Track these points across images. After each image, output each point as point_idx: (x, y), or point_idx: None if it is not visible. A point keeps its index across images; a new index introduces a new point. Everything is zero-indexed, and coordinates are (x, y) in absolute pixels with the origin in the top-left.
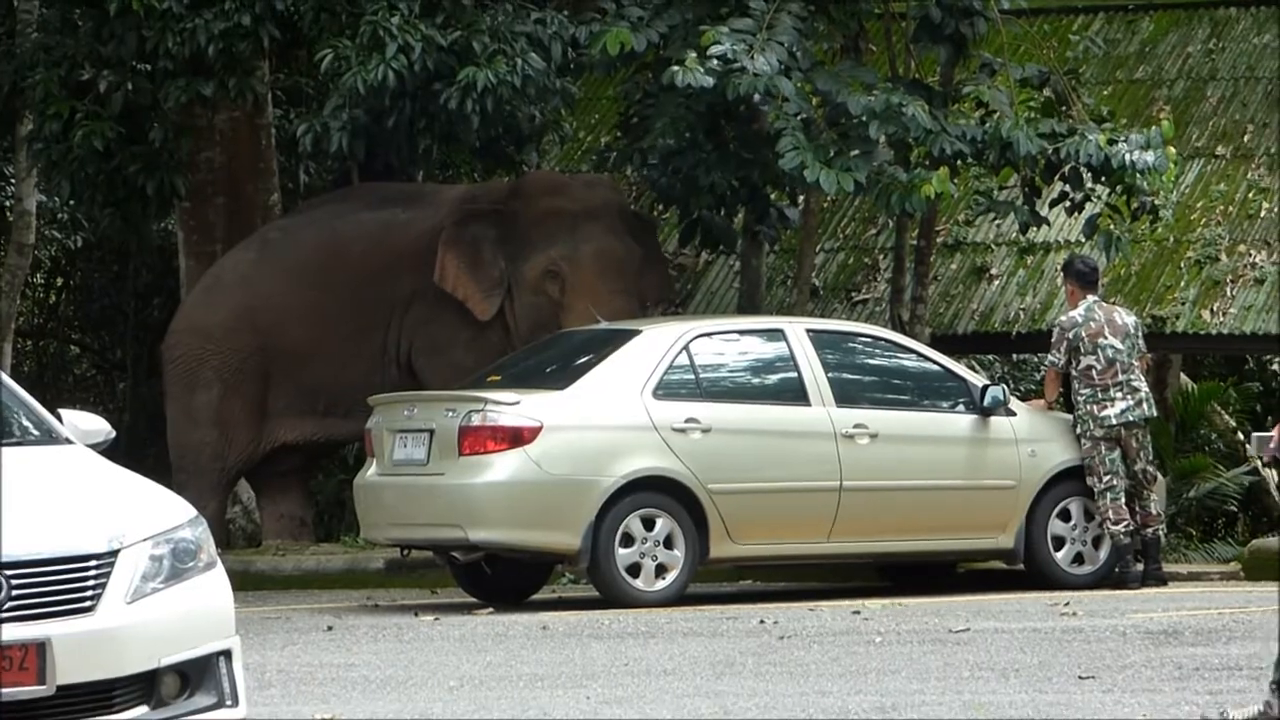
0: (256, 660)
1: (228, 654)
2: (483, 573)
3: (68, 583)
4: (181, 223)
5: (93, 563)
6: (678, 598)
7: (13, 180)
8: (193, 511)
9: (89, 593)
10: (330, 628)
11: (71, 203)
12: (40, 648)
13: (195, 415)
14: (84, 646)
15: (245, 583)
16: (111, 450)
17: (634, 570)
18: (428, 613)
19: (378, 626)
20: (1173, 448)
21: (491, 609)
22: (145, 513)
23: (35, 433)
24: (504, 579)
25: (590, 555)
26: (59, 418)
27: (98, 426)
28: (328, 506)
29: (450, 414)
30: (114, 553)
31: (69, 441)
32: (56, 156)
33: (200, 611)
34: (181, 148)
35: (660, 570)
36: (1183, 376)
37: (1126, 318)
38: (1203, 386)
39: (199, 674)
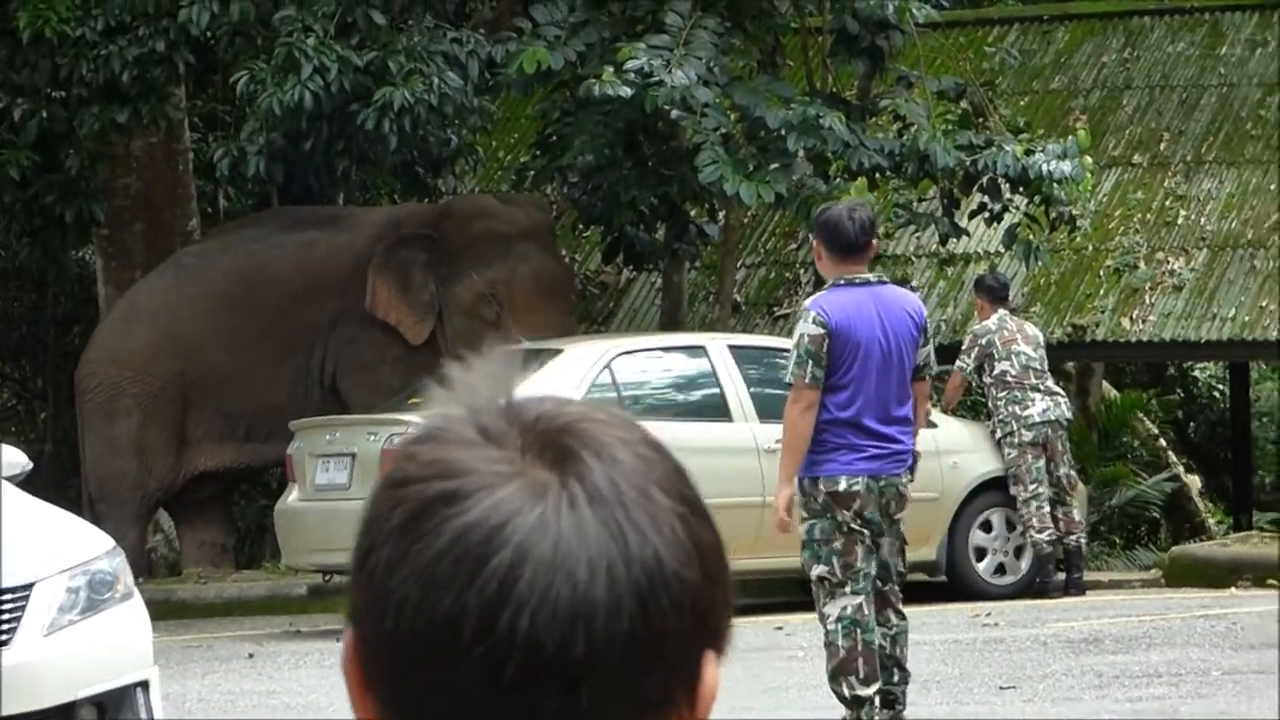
0: (177, 690)
1: (145, 685)
2: None
3: None
4: (100, 250)
5: (7, 596)
6: None
7: None
8: (110, 543)
9: (4, 627)
10: (252, 655)
11: None
12: None
13: (114, 444)
14: None
15: (167, 611)
16: (33, 481)
17: None
18: None
19: (299, 653)
20: (1095, 455)
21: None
22: (61, 545)
23: None
24: None
25: None
26: None
27: (14, 459)
28: (249, 532)
29: (372, 437)
30: (29, 586)
31: None
32: None
33: (117, 643)
34: (98, 175)
35: None
36: (1105, 384)
37: (1034, 331)
38: (1125, 397)
39: (116, 705)
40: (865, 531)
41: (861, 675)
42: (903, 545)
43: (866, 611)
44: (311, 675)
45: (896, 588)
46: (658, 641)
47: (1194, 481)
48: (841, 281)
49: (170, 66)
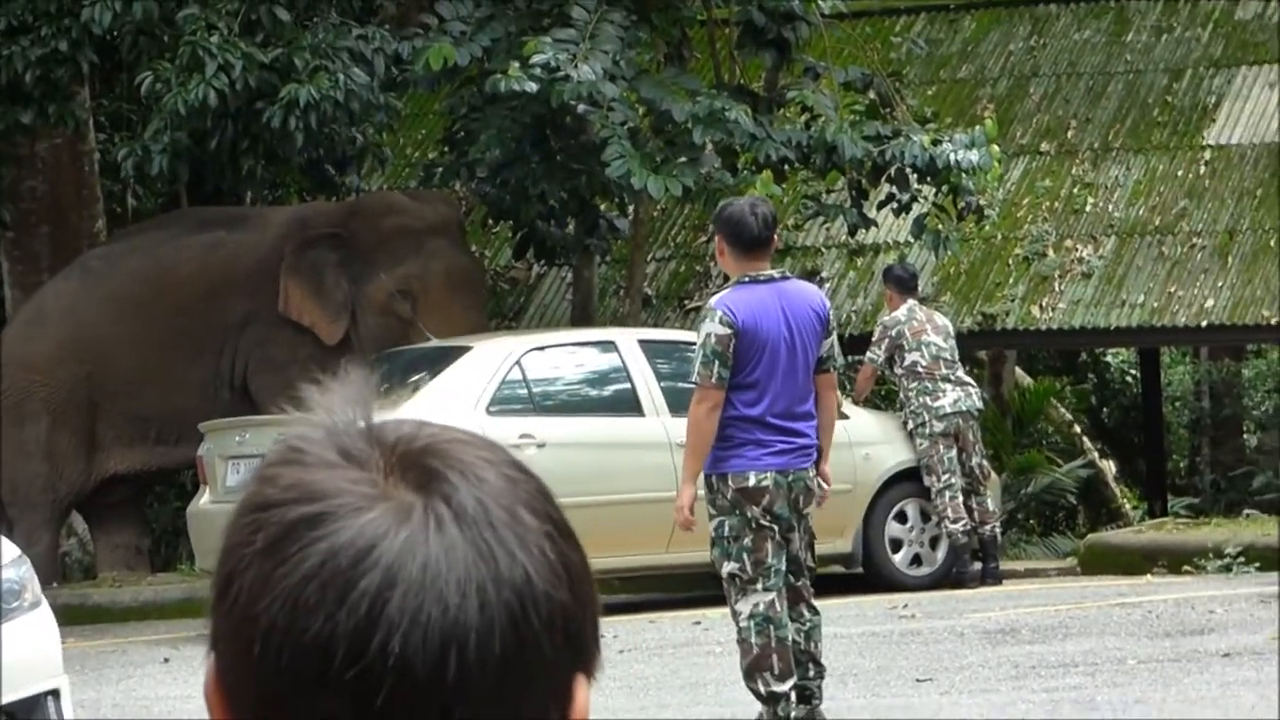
0: (92, 696)
1: (56, 693)
2: None
3: None
4: (6, 253)
5: None
6: None
7: None
8: (15, 551)
9: None
10: (167, 659)
11: None
12: None
13: (24, 448)
14: None
15: (81, 616)
16: None
17: None
18: None
19: None
20: (1010, 443)
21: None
22: None
23: None
24: None
25: None
26: None
27: None
28: (164, 534)
29: (282, 439)
30: None
31: None
32: None
33: (26, 652)
34: (3, 178)
35: None
36: (1018, 371)
37: (943, 320)
38: (1039, 385)
39: (27, 714)
40: (775, 527)
41: (776, 671)
42: (812, 540)
43: (779, 607)
44: None
45: (808, 582)
46: (530, 664)
47: (1109, 467)
48: (746, 279)
49: (74, 66)
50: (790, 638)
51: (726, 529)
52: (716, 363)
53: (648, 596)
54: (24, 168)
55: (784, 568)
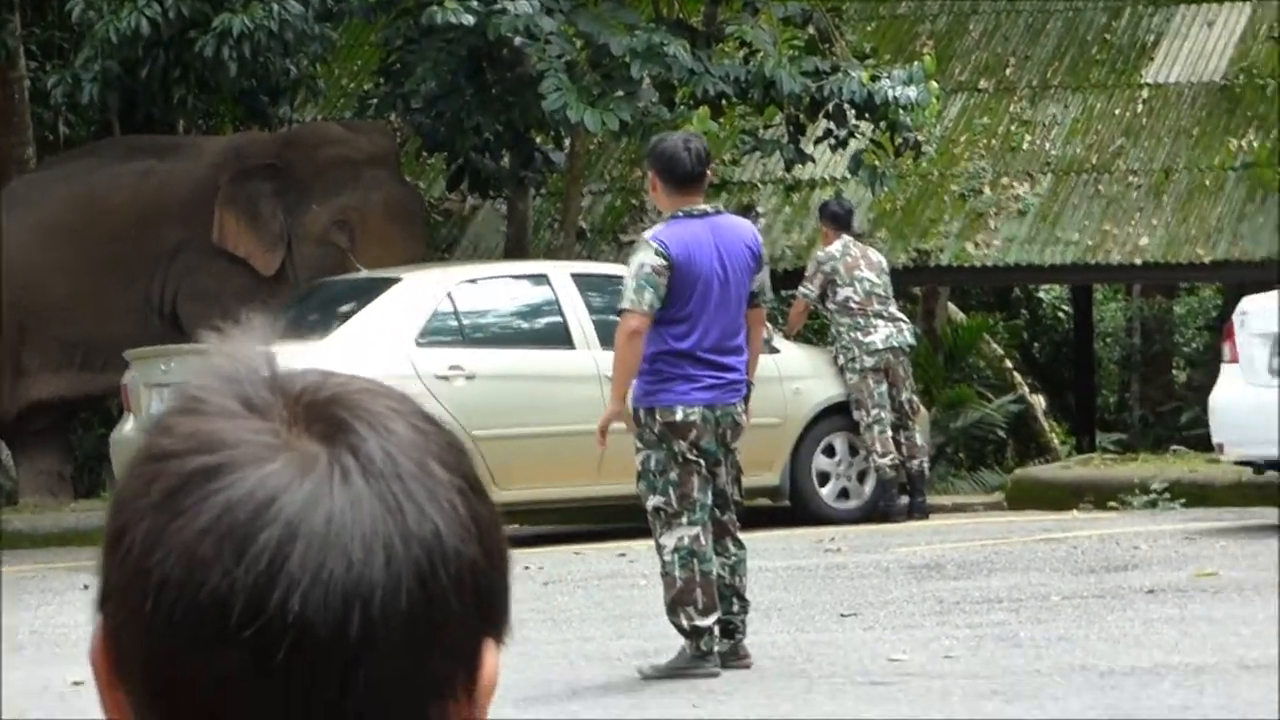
0: (8, 622)
1: None
2: None
3: None
4: None
5: None
6: None
7: None
8: None
9: None
10: (87, 586)
11: None
12: None
13: None
14: None
15: (2, 542)
16: None
17: None
18: None
19: None
20: (941, 378)
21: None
22: None
23: None
24: None
25: None
26: None
27: None
28: (89, 461)
29: (183, 386)
30: None
31: None
32: None
33: None
34: None
35: None
36: (951, 307)
37: (877, 256)
38: (971, 321)
39: None
40: (701, 461)
41: (700, 606)
42: (739, 474)
43: (704, 542)
44: None
45: (734, 517)
46: (437, 623)
47: (1039, 402)
48: (680, 214)
49: None
50: (715, 572)
51: (653, 463)
52: (648, 290)
53: (576, 528)
54: None
55: (710, 502)
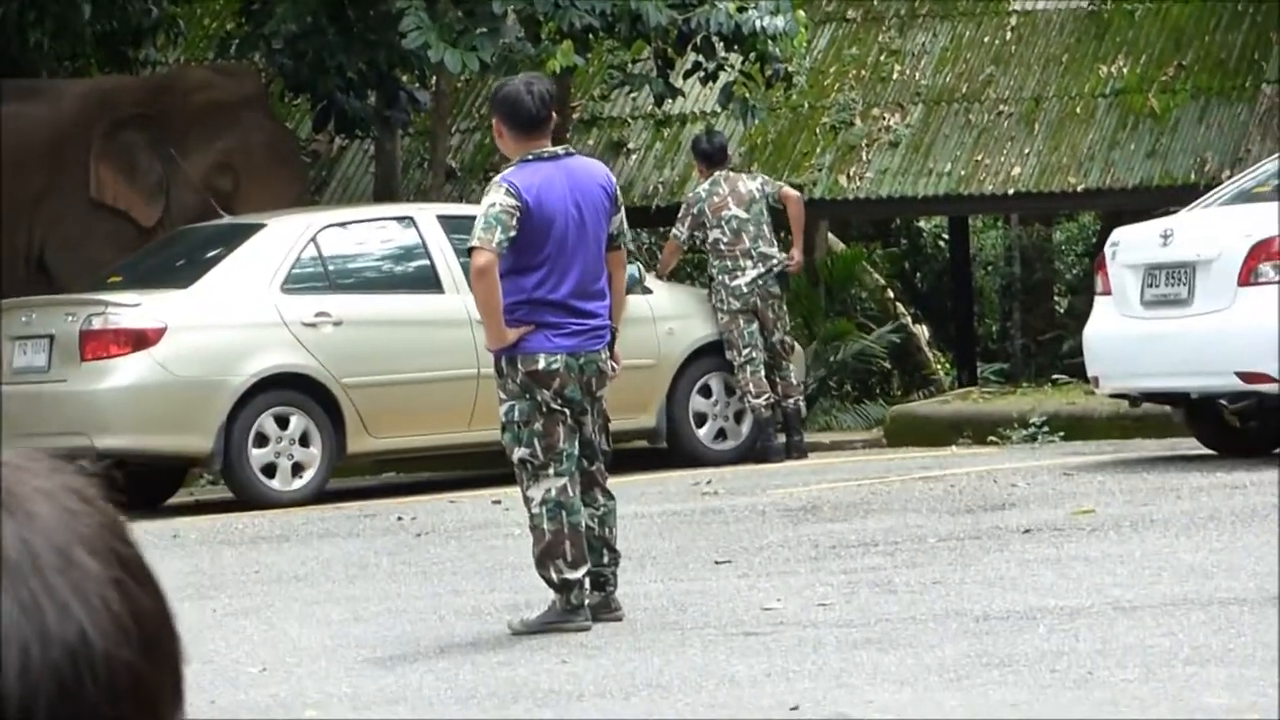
0: None
1: None
2: (115, 480)
3: None
4: None
5: None
6: (316, 495)
7: None
8: None
9: None
10: None
11: None
12: None
13: None
14: None
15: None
16: None
17: (270, 470)
18: None
19: None
20: (821, 311)
21: (125, 517)
22: None
23: None
24: (136, 485)
25: (223, 457)
26: None
27: None
28: None
29: (70, 318)
30: None
31: None
32: None
33: None
34: None
35: (297, 469)
36: (831, 237)
37: (750, 184)
38: (848, 252)
39: None
40: (566, 411)
41: (569, 558)
42: (606, 423)
43: (571, 493)
44: None
45: (603, 466)
46: None
47: (922, 332)
48: (530, 157)
49: None
50: (584, 523)
51: (517, 413)
52: (498, 228)
53: (449, 475)
54: None
55: (576, 452)
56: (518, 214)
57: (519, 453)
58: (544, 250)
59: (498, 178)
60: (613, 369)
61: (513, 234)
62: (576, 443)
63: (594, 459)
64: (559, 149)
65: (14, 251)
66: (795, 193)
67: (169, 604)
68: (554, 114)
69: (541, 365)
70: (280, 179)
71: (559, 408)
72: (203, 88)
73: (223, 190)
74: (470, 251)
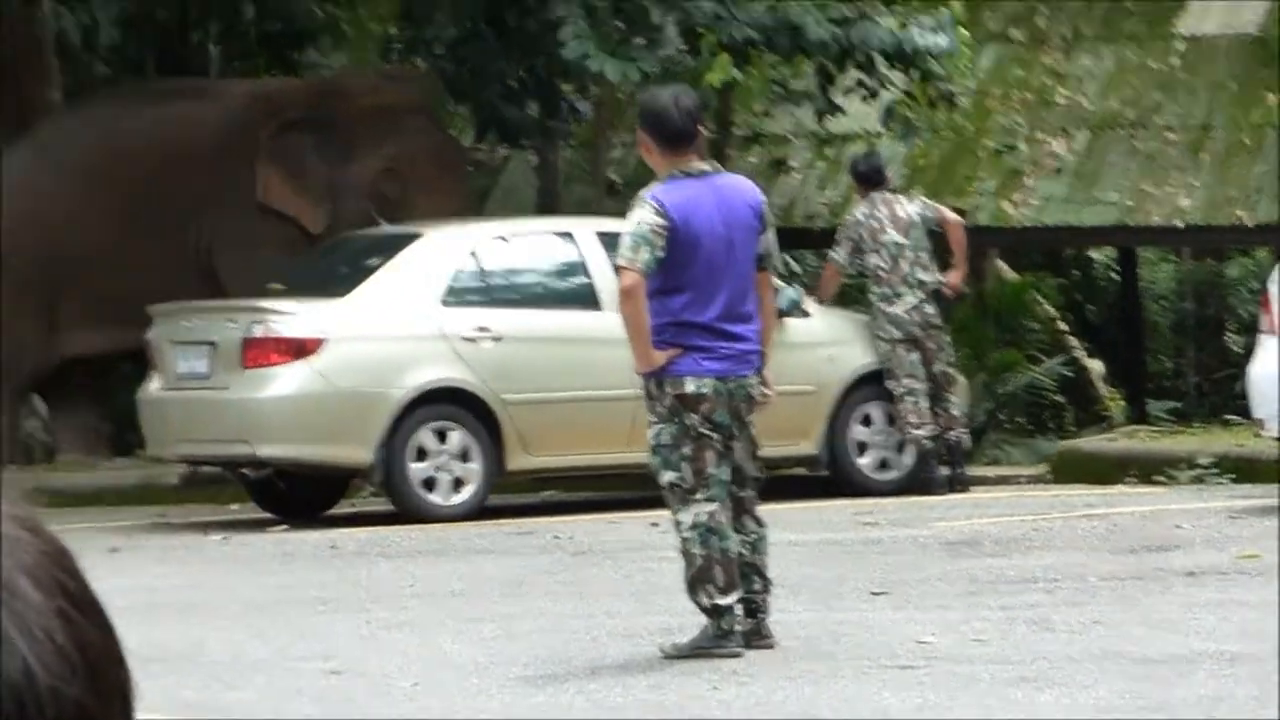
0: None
1: None
2: (277, 488)
3: None
4: None
5: None
6: (476, 511)
7: None
8: None
9: None
10: (115, 549)
11: None
12: None
13: None
14: None
15: (35, 500)
16: None
17: (429, 484)
18: (218, 531)
19: (166, 547)
20: (990, 341)
21: (285, 525)
22: None
23: None
24: (299, 494)
25: (384, 470)
26: None
27: None
28: (128, 417)
29: (232, 325)
30: None
31: None
32: None
33: None
34: None
35: (457, 484)
36: (1001, 265)
37: (909, 207)
38: (1017, 282)
39: None
40: (715, 435)
41: (720, 584)
42: (755, 449)
43: (721, 519)
44: (174, 571)
45: (753, 493)
46: None
47: (1096, 366)
48: (677, 174)
49: None
50: (735, 550)
51: (665, 437)
52: (645, 247)
53: (608, 495)
54: None
55: (726, 478)
56: (665, 233)
57: (668, 477)
58: (691, 270)
59: (644, 194)
60: (764, 395)
61: (660, 253)
62: (727, 468)
63: (744, 485)
64: (707, 166)
65: (181, 252)
66: (956, 217)
67: (117, 635)
68: (701, 128)
69: (690, 389)
70: (445, 187)
71: (708, 432)
72: (370, 93)
73: (388, 197)
74: (617, 270)
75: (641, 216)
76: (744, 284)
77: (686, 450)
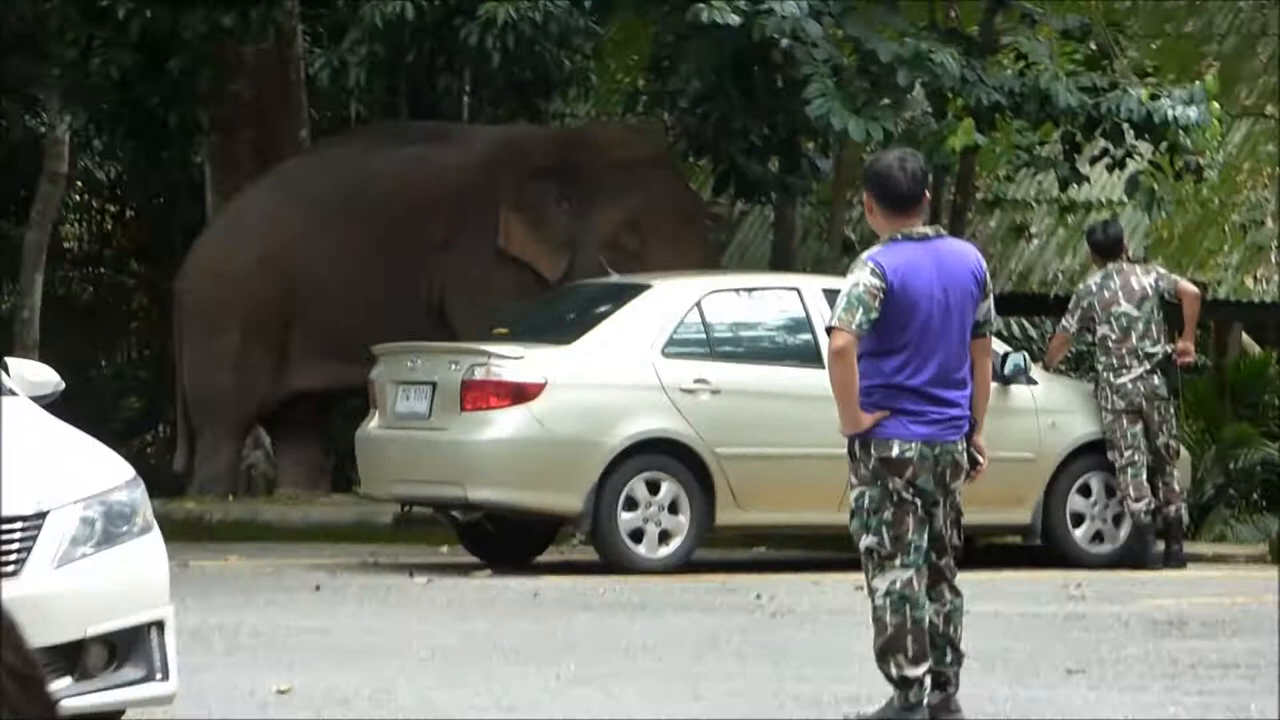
0: (233, 621)
1: (160, 625)
2: (486, 532)
3: None
4: (209, 157)
5: (18, 525)
6: (681, 565)
7: (45, 108)
8: (130, 472)
9: (12, 556)
10: (319, 587)
11: (90, 131)
12: None
13: (214, 359)
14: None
15: (251, 533)
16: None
17: (637, 535)
18: (423, 573)
19: (368, 587)
20: (1225, 414)
21: (490, 571)
22: (79, 472)
23: None
24: (508, 539)
25: (592, 519)
26: (5, 368)
27: (45, 377)
28: (350, 453)
29: (453, 367)
30: (41, 514)
31: (12, 393)
32: (72, 84)
33: (132, 579)
34: (203, 80)
35: (664, 536)
36: (1245, 337)
37: (1145, 278)
38: (1260, 356)
39: (128, 645)
40: (917, 501)
41: (910, 654)
42: (958, 517)
43: (917, 586)
44: (373, 613)
45: (951, 561)
46: None
47: None
48: (898, 236)
49: None
50: (928, 619)
51: (867, 500)
52: (860, 310)
53: (818, 555)
54: (229, 71)
55: (926, 545)
56: (881, 295)
57: (866, 541)
58: (906, 334)
59: (863, 255)
60: (975, 463)
61: (874, 315)
62: (926, 535)
63: (943, 553)
64: (929, 230)
65: (413, 292)
66: (1193, 288)
67: (39, 669)
68: (926, 192)
69: (895, 453)
70: (687, 241)
71: (910, 497)
72: (616, 145)
73: (630, 249)
74: (829, 331)
75: (859, 278)
76: (959, 350)
77: (887, 515)
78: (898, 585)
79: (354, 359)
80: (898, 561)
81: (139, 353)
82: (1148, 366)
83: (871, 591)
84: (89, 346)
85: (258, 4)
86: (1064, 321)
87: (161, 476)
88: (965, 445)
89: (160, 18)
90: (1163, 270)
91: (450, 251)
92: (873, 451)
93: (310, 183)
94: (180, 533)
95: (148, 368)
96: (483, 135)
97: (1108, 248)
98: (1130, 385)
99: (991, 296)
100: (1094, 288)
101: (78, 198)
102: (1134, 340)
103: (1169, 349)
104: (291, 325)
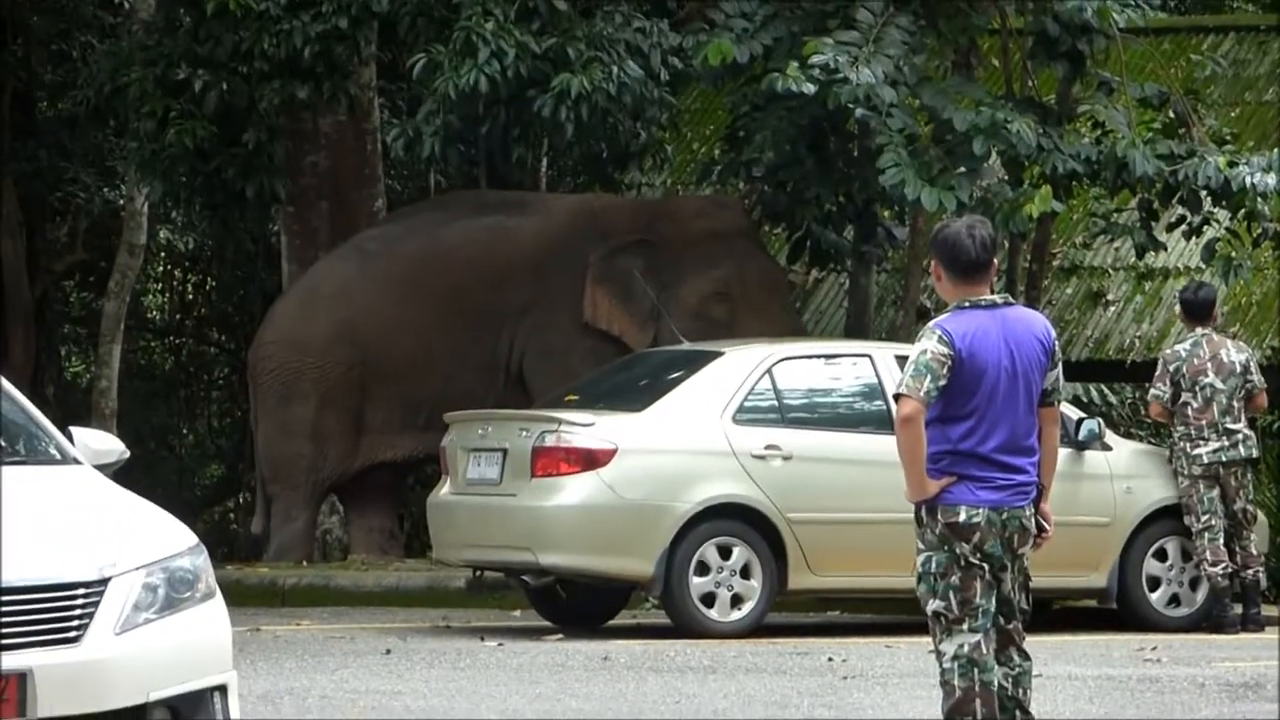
0: (303, 684)
1: (223, 689)
2: (557, 596)
3: (53, 611)
4: (285, 227)
5: (80, 591)
6: (753, 629)
7: (124, 180)
8: (193, 539)
9: (75, 622)
10: (389, 651)
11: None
12: (21, 679)
13: (290, 428)
14: (68, 678)
15: (324, 598)
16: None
17: (709, 600)
18: (494, 637)
19: (438, 651)
20: None
21: (561, 635)
22: (142, 539)
23: (43, 452)
24: (580, 603)
25: (664, 583)
26: (70, 437)
27: (110, 446)
28: (423, 518)
29: (524, 434)
30: (104, 581)
31: (76, 461)
32: (149, 155)
33: (195, 644)
34: (278, 151)
35: (736, 600)
36: None
37: (1236, 355)
38: None
39: (191, 710)
40: (985, 566)
41: (979, 718)
42: (1027, 580)
43: (985, 650)
44: (443, 676)
45: (1020, 625)
46: None
47: None
48: (966, 304)
49: (352, 44)
50: (996, 683)
51: (933, 565)
52: (928, 377)
53: (891, 619)
54: (307, 142)
55: (993, 609)
56: (949, 362)
57: (933, 605)
58: (973, 401)
59: (931, 323)
60: (1042, 529)
61: (942, 383)
62: (994, 599)
63: (1011, 617)
64: (997, 298)
65: (491, 361)
66: (1264, 401)
67: None
68: (994, 260)
69: (962, 518)
70: (772, 311)
71: (978, 562)
72: (700, 216)
73: (718, 320)
74: (896, 399)
75: (926, 345)
76: (1027, 418)
77: (954, 579)
78: (965, 649)
79: (429, 428)
80: (965, 626)
81: (219, 421)
82: (1226, 443)
83: (939, 655)
84: (171, 415)
85: (331, 77)
86: (1155, 390)
87: (242, 543)
88: (1033, 511)
89: (236, 89)
90: (1255, 361)
91: (530, 319)
92: (939, 516)
93: (386, 253)
94: (254, 598)
95: (228, 435)
96: (562, 204)
97: (1198, 309)
98: (1207, 457)
99: (1060, 365)
100: (1183, 354)
101: (160, 268)
102: (1215, 414)
103: (1248, 432)
104: (368, 394)
